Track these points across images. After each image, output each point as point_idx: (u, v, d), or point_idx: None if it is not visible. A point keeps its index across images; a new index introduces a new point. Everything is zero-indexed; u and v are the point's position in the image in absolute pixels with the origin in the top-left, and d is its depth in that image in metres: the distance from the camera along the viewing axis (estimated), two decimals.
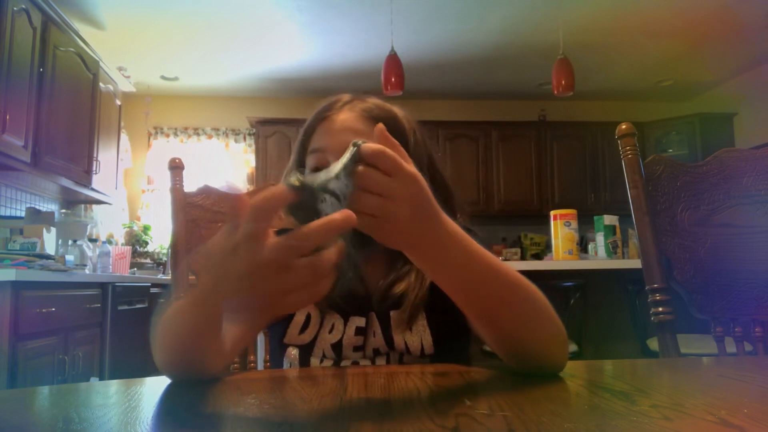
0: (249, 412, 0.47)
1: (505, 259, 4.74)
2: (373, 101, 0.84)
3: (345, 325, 0.79)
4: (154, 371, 0.63)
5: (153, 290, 3.72)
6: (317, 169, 0.80)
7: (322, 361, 0.79)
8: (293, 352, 0.80)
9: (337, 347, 0.78)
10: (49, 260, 2.63)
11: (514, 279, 0.57)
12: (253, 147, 5.17)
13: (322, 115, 0.82)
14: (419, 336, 0.77)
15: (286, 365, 0.81)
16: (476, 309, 0.59)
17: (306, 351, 0.79)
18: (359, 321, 0.79)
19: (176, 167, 1.12)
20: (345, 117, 0.80)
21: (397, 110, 0.86)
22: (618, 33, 4.14)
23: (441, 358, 0.77)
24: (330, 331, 0.79)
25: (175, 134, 5.26)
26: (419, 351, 0.77)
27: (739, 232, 1.01)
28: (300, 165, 0.84)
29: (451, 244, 0.53)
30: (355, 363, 0.78)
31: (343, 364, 0.78)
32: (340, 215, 0.45)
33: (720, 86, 5.34)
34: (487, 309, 0.58)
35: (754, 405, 0.46)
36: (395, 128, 0.83)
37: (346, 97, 0.84)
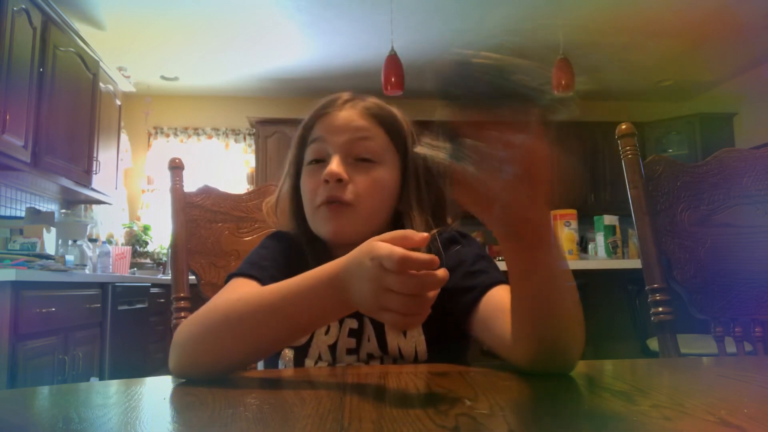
0: (249, 412, 0.47)
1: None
2: (373, 100, 0.86)
3: (340, 327, 0.79)
4: (154, 371, 0.63)
5: (153, 290, 3.72)
6: (317, 161, 0.81)
7: (316, 363, 0.79)
8: (288, 354, 0.80)
9: (333, 349, 0.78)
10: (49, 260, 2.63)
11: (572, 285, 0.56)
12: (253, 147, 5.17)
13: (322, 111, 0.83)
14: (413, 342, 0.77)
15: (280, 366, 0.81)
16: (536, 303, 0.56)
17: (301, 352, 0.79)
18: (352, 323, 0.78)
19: (176, 167, 1.12)
20: (347, 114, 0.82)
21: (395, 111, 0.87)
22: (618, 33, 4.14)
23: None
24: (326, 333, 0.79)
25: (175, 134, 5.26)
26: (413, 357, 0.77)
27: (739, 232, 1.01)
28: (299, 159, 0.85)
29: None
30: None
31: (337, 366, 0.78)
32: (443, 272, 0.52)
33: (720, 86, 5.34)
34: (547, 307, 0.56)
35: (754, 405, 0.46)
36: (396, 128, 0.85)
37: (346, 95, 0.85)
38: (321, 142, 0.81)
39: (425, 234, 0.54)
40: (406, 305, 0.52)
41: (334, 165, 0.78)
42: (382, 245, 0.53)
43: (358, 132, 0.81)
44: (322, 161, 0.81)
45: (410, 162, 0.85)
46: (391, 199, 0.83)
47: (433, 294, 0.53)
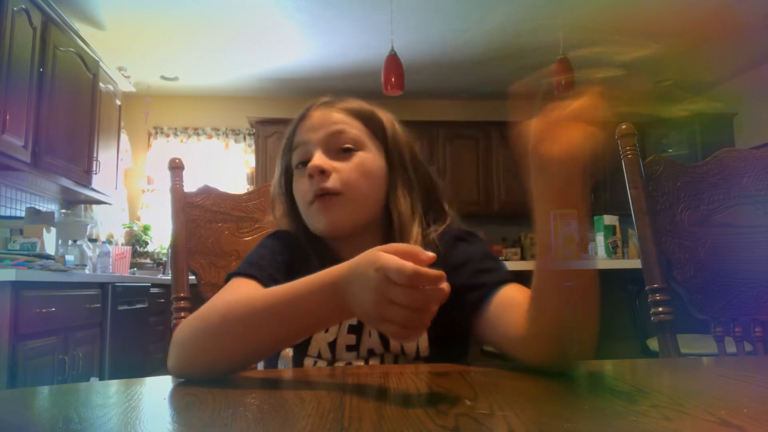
0: (249, 412, 0.47)
1: (505, 259, 4.74)
2: (350, 99, 0.89)
3: (339, 325, 0.79)
4: (154, 371, 0.63)
5: (153, 290, 3.72)
6: (303, 163, 0.83)
7: (315, 363, 0.79)
8: (289, 353, 0.80)
9: (333, 346, 0.78)
10: (49, 260, 2.63)
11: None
12: (253, 147, 5.17)
13: (302, 115, 0.87)
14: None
15: (281, 365, 0.81)
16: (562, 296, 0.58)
17: (301, 351, 0.79)
18: (351, 320, 0.78)
19: (176, 167, 1.12)
20: (320, 113, 0.85)
21: (375, 108, 0.89)
22: (618, 33, 4.14)
23: (437, 361, 0.77)
24: (326, 330, 0.79)
25: (175, 134, 5.26)
26: (414, 353, 0.77)
27: (739, 232, 1.01)
28: (287, 165, 0.88)
29: None
30: (349, 364, 0.77)
31: (336, 365, 0.78)
32: (448, 287, 0.52)
33: (720, 86, 5.34)
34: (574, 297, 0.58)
35: (754, 405, 0.46)
36: (371, 118, 0.87)
37: (323, 98, 0.89)
38: (303, 144, 0.84)
39: (432, 254, 0.54)
40: (409, 318, 0.52)
41: (315, 159, 0.80)
42: (389, 257, 0.52)
43: (333, 125, 0.83)
44: (308, 162, 0.82)
45: (392, 148, 0.86)
46: (380, 185, 0.84)
47: (436, 308, 0.53)
